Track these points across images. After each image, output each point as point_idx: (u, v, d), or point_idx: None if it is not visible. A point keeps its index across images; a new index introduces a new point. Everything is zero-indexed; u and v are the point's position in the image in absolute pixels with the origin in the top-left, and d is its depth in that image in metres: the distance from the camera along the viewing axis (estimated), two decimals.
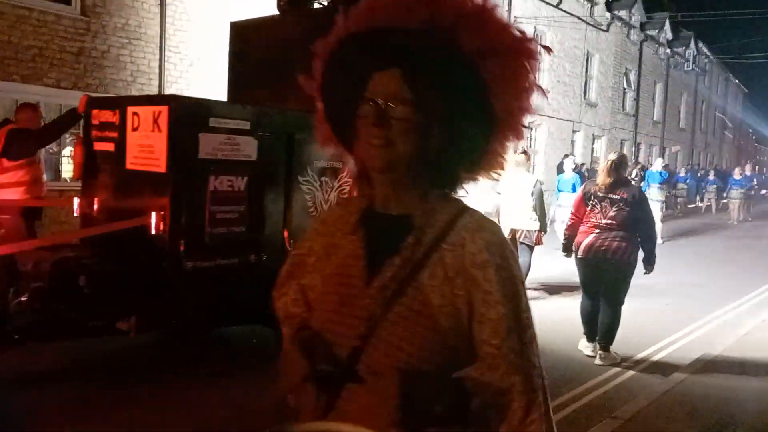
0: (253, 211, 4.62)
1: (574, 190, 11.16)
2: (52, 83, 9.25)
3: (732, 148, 46.81)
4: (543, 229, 7.28)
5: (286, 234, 4.71)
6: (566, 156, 21.02)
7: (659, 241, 12.81)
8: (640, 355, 5.68)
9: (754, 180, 22.76)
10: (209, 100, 5.04)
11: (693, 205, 22.78)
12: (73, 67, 9.48)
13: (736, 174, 20.41)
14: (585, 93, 23.79)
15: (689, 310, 7.43)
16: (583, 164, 21.67)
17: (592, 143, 24.73)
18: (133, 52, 10.10)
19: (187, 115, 4.35)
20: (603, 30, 24.01)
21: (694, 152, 35.94)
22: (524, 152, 7.58)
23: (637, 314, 6.77)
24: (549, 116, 21.39)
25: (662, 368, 5.34)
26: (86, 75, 9.61)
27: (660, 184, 13.23)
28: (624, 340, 5.67)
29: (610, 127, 25.56)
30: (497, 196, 7.27)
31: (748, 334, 6.19)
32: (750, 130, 56.40)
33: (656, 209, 12.76)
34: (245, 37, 6.00)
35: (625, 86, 27.15)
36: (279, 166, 4.77)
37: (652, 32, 28.58)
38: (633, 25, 26.78)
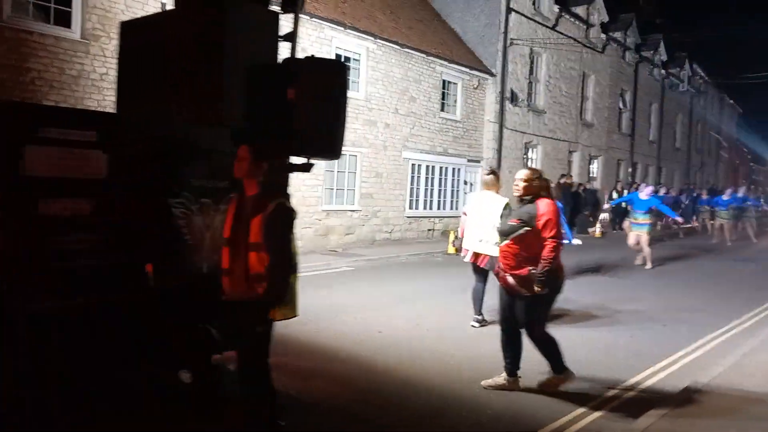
0: (105, 241, 3.72)
1: (646, 212, 11.89)
2: (51, 105, 9.29)
3: (728, 167, 46.99)
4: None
5: (149, 268, 3.81)
6: (563, 176, 21.16)
7: (648, 266, 12.82)
8: (611, 392, 5.17)
9: (748, 201, 21.93)
10: (39, 105, 4.17)
11: (689, 226, 22.64)
12: (72, 89, 9.55)
13: (726, 195, 19.98)
14: (581, 113, 23.96)
15: (664, 340, 6.99)
16: (580, 185, 21.77)
17: (589, 163, 24.84)
18: None
19: (5, 124, 3.42)
20: (599, 51, 24.27)
21: (690, 172, 36.09)
22: (492, 172, 7.28)
23: (617, 341, 6.79)
24: (546, 136, 21.52)
25: (636, 406, 4.80)
26: (85, 97, 9.67)
27: (645, 211, 12.84)
28: (604, 369, 5.65)
29: (606, 147, 25.71)
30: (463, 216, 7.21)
31: (734, 365, 5.86)
32: (745, 149, 56.69)
33: (643, 233, 12.80)
34: (136, 37, 4.99)
35: (621, 107, 27.37)
36: (140, 185, 3.85)
37: (647, 53, 28.89)
38: (628, 47, 27.07)
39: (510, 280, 4.80)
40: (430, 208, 17.01)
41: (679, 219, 15.18)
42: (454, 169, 17.76)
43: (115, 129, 3.91)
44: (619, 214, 20.05)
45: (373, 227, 15.08)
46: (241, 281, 3.54)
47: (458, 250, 9.44)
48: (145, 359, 3.82)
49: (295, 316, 4.02)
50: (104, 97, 9.86)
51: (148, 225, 3.85)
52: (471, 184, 18.35)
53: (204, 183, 4.07)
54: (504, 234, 4.83)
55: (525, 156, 20.76)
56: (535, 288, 4.69)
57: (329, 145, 4.08)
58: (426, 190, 16.83)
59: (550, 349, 4.96)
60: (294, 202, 13.80)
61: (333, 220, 13.96)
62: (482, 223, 6.75)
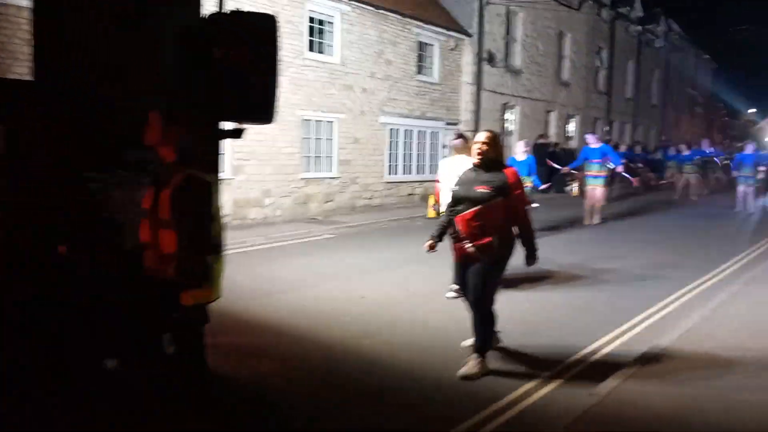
0: (8, 222, 3.42)
1: (527, 173, 10.47)
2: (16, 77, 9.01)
3: (703, 122, 47.42)
4: None
5: (62, 250, 3.54)
6: (540, 136, 21.20)
7: (596, 221, 12.81)
8: (578, 355, 5.06)
9: (711, 154, 21.31)
10: None
11: (664, 182, 22.82)
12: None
13: (684, 149, 19.77)
14: (558, 72, 23.89)
15: (625, 301, 6.80)
16: (557, 144, 21.85)
17: (566, 123, 24.89)
18: None
19: None
20: (575, 9, 24.06)
21: (666, 128, 36.38)
22: (461, 136, 7.12)
23: (592, 302, 6.77)
24: (523, 97, 21.47)
25: (598, 371, 4.65)
26: None
27: (599, 160, 12.76)
28: (576, 330, 5.65)
29: (583, 106, 25.75)
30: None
31: (693, 328, 5.66)
32: (720, 104, 57.20)
33: (598, 186, 12.77)
34: None
35: (598, 64, 27.32)
36: (47, 160, 3.50)
37: (622, 10, 28.73)
38: (604, 3, 26.89)
39: (471, 249, 4.48)
40: (410, 173, 16.99)
41: (619, 168, 14.73)
42: (432, 132, 17.69)
43: (20, 99, 3.52)
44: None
45: (352, 194, 15.04)
46: (155, 258, 3.29)
47: (438, 214, 9.46)
48: (63, 343, 3.55)
49: (215, 299, 3.53)
50: None
51: (58, 204, 3.51)
52: (450, 148, 18.32)
53: (129, 155, 3.69)
54: (475, 202, 4.44)
55: (503, 117, 20.72)
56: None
57: (260, 109, 3.62)
58: (405, 154, 16.78)
59: (489, 326, 4.72)
60: (270, 170, 13.66)
61: (312, 187, 13.89)
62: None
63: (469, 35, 18.48)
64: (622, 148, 21.42)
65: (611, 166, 13.75)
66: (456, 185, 4.71)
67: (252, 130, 13.99)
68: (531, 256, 4.64)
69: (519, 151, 10.85)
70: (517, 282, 7.37)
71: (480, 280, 4.53)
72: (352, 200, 15.01)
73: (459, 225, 4.50)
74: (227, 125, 3.79)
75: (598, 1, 26.25)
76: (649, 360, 4.77)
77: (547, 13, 22.38)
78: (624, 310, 6.46)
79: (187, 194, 3.23)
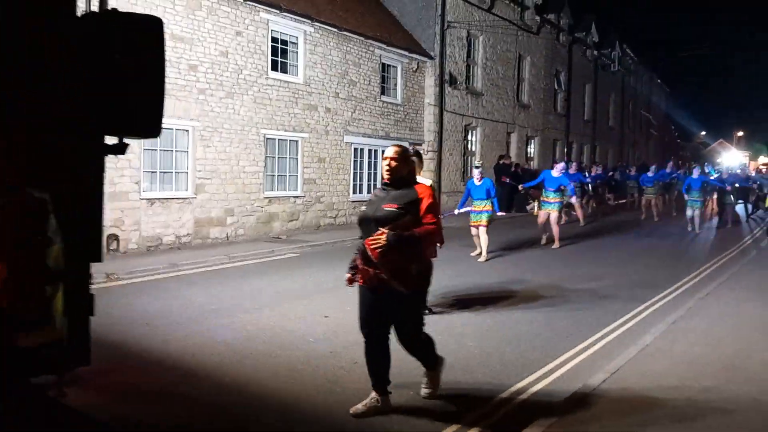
0: None
1: (485, 196, 10.83)
2: None
3: (658, 144, 49.02)
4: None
5: None
6: (501, 157, 21.56)
7: (555, 245, 12.69)
8: (507, 393, 4.58)
9: (674, 176, 22.03)
10: None
11: (623, 201, 23.47)
12: None
13: (651, 171, 19.99)
14: (518, 95, 24.43)
15: (569, 327, 6.52)
16: (517, 164, 22.26)
17: (527, 144, 25.40)
18: None
19: None
20: (533, 33, 24.73)
21: (623, 149, 37.46)
22: (416, 153, 6.81)
23: (517, 329, 6.43)
24: (484, 118, 21.86)
25: (524, 413, 4.24)
26: None
27: (555, 189, 12.79)
28: (517, 358, 5.38)
29: (542, 127, 26.34)
30: None
31: (630, 362, 5.21)
32: (673, 127, 59.27)
33: (553, 211, 12.76)
34: None
35: (556, 87, 28.05)
36: None
37: (579, 35, 29.66)
38: (562, 28, 27.72)
39: (382, 277, 3.98)
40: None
41: (573, 200, 15.20)
42: None
43: None
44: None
45: (317, 213, 14.99)
46: None
47: None
48: None
49: (55, 339, 2.85)
50: None
51: None
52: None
53: None
54: (381, 222, 3.99)
55: (465, 138, 21.03)
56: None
57: (145, 122, 3.27)
58: (369, 174, 16.83)
59: (426, 348, 4.35)
60: (233, 189, 13.55)
61: (275, 206, 13.79)
62: None
63: (431, 57, 18.77)
64: (594, 171, 21.90)
65: (568, 194, 14.24)
66: (365, 206, 4.30)
67: (215, 148, 13.82)
68: (393, 239, 3.90)
69: (476, 177, 11.05)
70: (457, 303, 7.41)
71: (401, 316, 4.12)
72: (316, 219, 14.95)
73: (368, 249, 3.98)
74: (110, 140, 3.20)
75: (556, 26, 27.05)
76: (578, 402, 4.36)
77: (507, 37, 22.94)
78: (567, 336, 6.24)
79: (10, 217, 2.66)
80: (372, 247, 3.92)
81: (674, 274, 9.82)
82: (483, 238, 11.07)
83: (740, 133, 68.90)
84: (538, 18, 24.94)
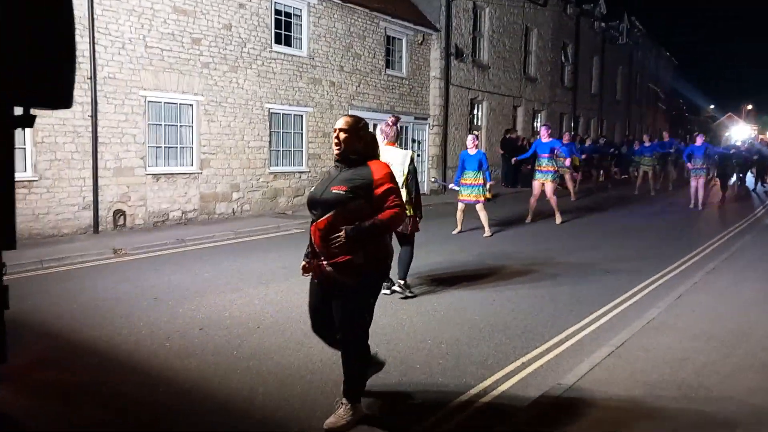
0: None
1: (477, 168, 10.40)
2: None
3: (666, 118, 48.53)
4: (418, 213, 6.37)
5: None
6: (507, 131, 21.39)
7: (558, 220, 12.30)
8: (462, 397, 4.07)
9: (672, 146, 21.35)
10: None
11: (627, 176, 23.26)
12: None
13: (646, 141, 19.27)
14: (525, 68, 24.14)
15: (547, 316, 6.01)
16: (524, 138, 22.09)
17: (533, 118, 25.18)
18: None
19: None
20: (540, 5, 24.34)
21: (631, 123, 37.12)
22: (396, 122, 6.54)
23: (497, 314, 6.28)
24: (490, 92, 21.64)
25: (486, 418, 3.83)
26: None
27: (548, 155, 12.23)
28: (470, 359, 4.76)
29: (549, 101, 26.08)
30: None
31: (602, 363, 4.63)
32: (681, 100, 58.62)
33: (547, 181, 12.20)
34: None
35: (563, 60, 27.69)
36: None
37: (587, 7, 29.17)
38: (569, 0, 27.26)
39: (328, 269, 3.48)
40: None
41: (567, 163, 14.56)
42: (402, 127, 17.68)
43: None
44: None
45: None
46: None
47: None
48: None
49: None
50: None
51: None
52: (419, 142, 18.38)
53: None
54: (327, 206, 3.44)
55: (471, 112, 20.86)
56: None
57: (52, 90, 2.83)
58: None
59: (362, 364, 3.71)
60: (238, 164, 13.54)
61: (281, 182, 13.77)
62: None
63: (436, 30, 18.54)
64: (588, 142, 21.56)
65: (562, 160, 13.82)
66: (314, 187, 3.73)
67: (219, 123, 13.80)
68: (351, 234, 3.37)
69: (470, 146, 10.61)
70: (435, 282, 7.29)
71: (346, 314, 3.55)
72: None
73: (312, 236, 3.51)
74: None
75: None
76: (545, 406, 3.89)
77: (514, 8, 22.59)
78: (571, 311, 6.13)
79: None
80: (333, 244, 3.39)
81: (670, 255, 9.34)
82: (482, 215, 10.60)
83: (749, 107, 68.14)
84: None
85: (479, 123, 21.53)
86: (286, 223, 11.83)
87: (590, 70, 30.86)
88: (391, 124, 6.47)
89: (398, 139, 6.46)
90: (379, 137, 6.25)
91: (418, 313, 6.00)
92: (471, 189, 10.59)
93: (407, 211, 5.86)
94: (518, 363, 4.76)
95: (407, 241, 6.55)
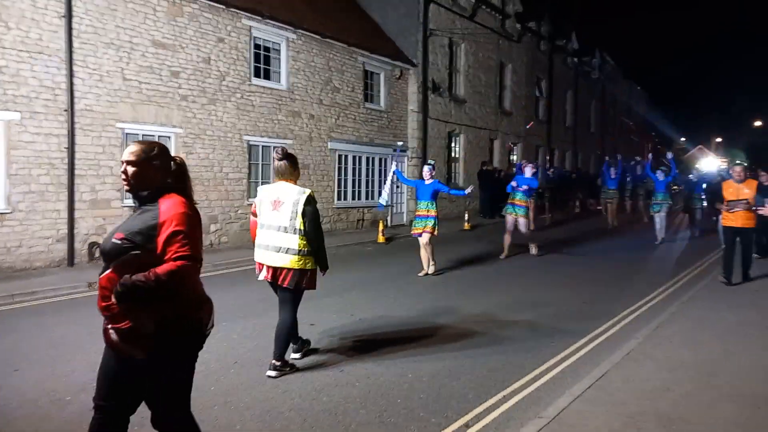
0: None
1: (431, 198, 9.61)
2: None
3: (638, 150, 49.59)
4: (322, 265, 5.13)
5: None
6: (484, 163, 21.65)
7: (533, 252, 11.94)
8: None
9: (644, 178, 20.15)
10: None
11: (601, 207, 23.14)
12: None
13: (612, 173, 18.24)
14: (500, 102, 24.59)
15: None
16: (501, 170, 22.38)
17: (510, 150, 25.55)
18: (34, 66, 9.56)
19: None
20: (514, 41, 24.95)
21: (605, 156, 37.84)
22: (286, 156, 5.12)
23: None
24: (467, 125, 21.97)
25: None
26: None
27: (524, 191, 11.89)
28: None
29: (524, 134, 26.53)
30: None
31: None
32: (653, 133, 60.10)
33: (520, 216, 11.77)
34: None
35: (537, 94, 28.28)
36: None
37: (560, 43, 29.98)
38: (543, 36, 27.99)
39: (113, 336, 2.75)
40: (359, 199, 17.02)
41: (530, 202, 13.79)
42: (381, 158, 17.83)
43: None
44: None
45: None
46: None
47: (388, 240, 9.29)
48: None
49: None
50: (5, 91, 9.22)
51: None
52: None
53: None
54: (107, 257, 2.77)
55: (449, 145, 21.11)
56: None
57: None
58: (354, 180, 16.82)
59: None
60: (216, 195, 13.49)
61: None
62: (279, 223, 4.98)
63: (414, 65, 18.84)
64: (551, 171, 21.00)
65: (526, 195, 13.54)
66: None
67: (197, 155, 13.83)
68: (120, 293, 2.63)
69: (426, 176, 9.79)
70: (364, 345, 5.92)
71: (151, 394, 2.85)
72: None
73: (98, 296, 2.80)
74: None
75: (537, 34, 27.30)
76: None
77: (488, 44, 23.11)
78: (525, 356, 5.56)
79: None
80: (111, 305, 2.70)
81: (641, 290, 9.25)
82: (427, 250, 9.67)
83: (719, 139, 70.02)
84: (519, 26, 25.16)
85: (457, 155, 21.78)
86: None
87: (564, 103, 31.58)
88: (276, 158, 5.13)
89: (295, 173, 5.11)
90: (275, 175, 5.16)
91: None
92: (424, 221, 9.66)
93: (305, 264, 4.94)
94: (499, 396, 4.73)
95: (289, 301, 5.09)
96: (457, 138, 21.72)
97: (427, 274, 9.87)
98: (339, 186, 16.30)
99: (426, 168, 9.92)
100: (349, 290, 8.64)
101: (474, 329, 6.65)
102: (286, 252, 4.95)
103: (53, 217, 9.90)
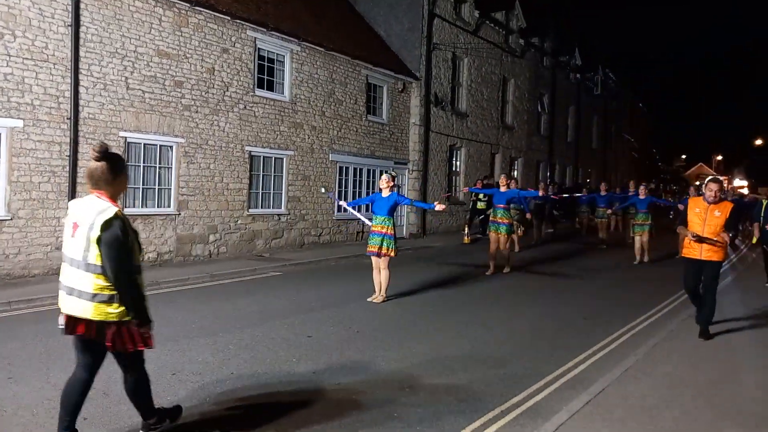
0: None
1: (388, 214, 8.59)
2: None
3: (639, 167, 49.68)
4: (137, 316, 3.53)
5: None
6: (485, 177, 21.67)
7: (506, 270, 11.38)
8: None
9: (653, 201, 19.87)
10: None
11: (594, 224, 22.27)
12: None
13: (602, 190, 18.01)
14: (502, 116, 24.67)
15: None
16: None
17: (511, 165, 25.60)
18: (39, 74, 9.61)
19: None
20: (517, 56, 25.07)
21: (606, 172, 37.88)
22: (104, 156, 3.53)
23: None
24: (469, 139, 22.02)
25: None
26: None
27: (504, 206, 11.48)
28: None
29: (526, 148, 26.58)
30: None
31: None
32: (654, 150, 60.23)
33: (501, 235, 11.41)
34: None
35: (540, 109, 28.38)
36: None
37: (563, 58, 30.13)
38: (546, 52, 28.13)
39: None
40: (359, 211, 17.01)
41: (544, 197, 14.05)
42: (382, 171, 17.85)
43: None
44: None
45: (301, 231, 14.92)
46: None
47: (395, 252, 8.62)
48: None
49: None
50: (8, 99, 9.26)
51: None
52: (398, 187, 18.50)
53: None
54: None
55: (450, 158, 21.15)
56: None
57: None
58: (354, 192, 16.83)
59: None
60: (216, 206, 13.51)
61: (259, 224, 13.71)
62: (71, 255, 3.54)
63: (417, 78, 18.93)
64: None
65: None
66: None
67: (198, 165, 13.87)
68: None
69: (383, 186, 8.74)
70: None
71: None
72: (300, 237, 14.88)
73: None
74: None
75: (540, 50, 27.45)
76: None
77: (492, 59, 23.22)
78: (524, 370, 5.46)
79: None
80: None
81: (642, 304, 9.17)
82: (383, 274, 8.61)
83: (719, 157, 70.19)
84: (522, 41, 25.30)
85: (457, 168, 21.81)
86: (263, 266, 11.71)
87: (566, 119, 31.67)
88: (92, 156, 3.55)
89: (115, 183, 3.61)
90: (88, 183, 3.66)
91: None
92: (379, 239, 8.57)
93: (107, 315, 3.46)
94: (497, 411, 4.70)
95: (128, 362, 3.73)
96: (459, 152, 21.77)
97: (387, 299, 8.74)
98: (339, 198, 16.29)
99: (384, 177, 8.70)
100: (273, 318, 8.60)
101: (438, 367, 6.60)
102: (79, 296, 3.48)
103: (53, 224, 9.90)
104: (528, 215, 15.76)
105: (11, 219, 9.44)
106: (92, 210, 3.50)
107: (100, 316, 3.46)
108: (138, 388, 3.80)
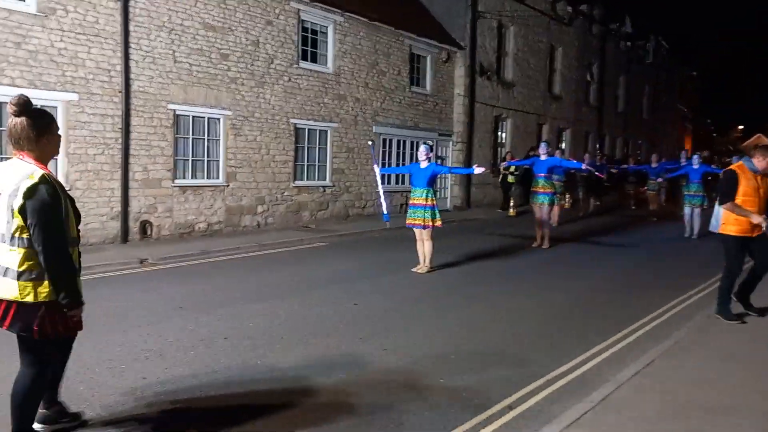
0: None
1: (427, 185, 8.55)
2: (8, 82, 8.96)
3: (692, 138, 47.95)
4: (67, 296, 3.05)
5: None
6: (531, 149, 21.28)
7: (545, 245, 11.07)
8: None
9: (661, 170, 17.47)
10: None
11: (644, 196, 21.53)
12: (29, 65, 9.21)
13: (653, 161, 17.49)
14: (549, 86, 24.08)
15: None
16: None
17: (558, 136, 25.05)
18: (91, 49, 9.85)
19: None
20: (565, 24, 24.31)
21: (656, 143, 36.70)
22: (25, 110, 3.02)
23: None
24: (515, 110, 21.61)
25: None
26: (44, 73, 9.35)
27: (545, 175, 11.19)
28: None
29: (574, 119, 25.94)
30: None
31: None
32: (708, 120, 57.96)
33: (544, 205, 11.18)
34: None
35: (589, 79, 27.56)
36: None
37: (613, 26, 29.07)
38: (595, 19, 27.20)
39: None
40: (403, 183, 16.98)
41: (587, 170, 13.44)
42: (424, 143, 17.72)
43: None
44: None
45: (345, 202, 15.02)
46: None
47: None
48: None
49: None
50: (63, 73, 9.55)
51: None
52: (442, 159, 18.38)
53: None
54: None
55: (495, 130, 20.82)
56: None
57: None
58: (398, 163, 16.79)
59: None
60: (263, 177, 13.68)
61: (305, 196, 13.86)
62: None
63: (461, 48, 18.61)
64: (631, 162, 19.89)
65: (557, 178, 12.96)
66: None
67: (245, 137, 13.99)
68: None
69: (421, 158, 8.71)
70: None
71: None
72: (345, 209, 14.99)
73: None
74: None
75: (589, 17, 26.55)
76: None
77: (538, 27, 22.61)
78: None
79: None
80: None
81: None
82: (427, 245, 8.60)
83: None
84: (570, 8, 24.50)
85: (503, 140, 21.48)
86: (309, 237, 11.88)
87: (616, 88, 30.65)
88: (11, 111, 3.02)
89: (42, 142, 3.09)
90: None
91: None
92: (421, 211, 8.53)
93: (30, 295, 2.98)
94: (543, 380, 4.69)
95: (24, 351, 3.19)
96: (504, 123, 21.41)
97: (432, 269, 8.78)
98: (378, 163, 16.27)
99: (422, 148, 8.72)
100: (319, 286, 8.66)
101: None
102: (4, 274, 3.00)
103: (108, 195, 10.24)
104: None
105: (69, 190, 9.77)
106: (15, 175, 2.99)
107: (21, 296, 2.96)
108: (30, 390, 3.14)
